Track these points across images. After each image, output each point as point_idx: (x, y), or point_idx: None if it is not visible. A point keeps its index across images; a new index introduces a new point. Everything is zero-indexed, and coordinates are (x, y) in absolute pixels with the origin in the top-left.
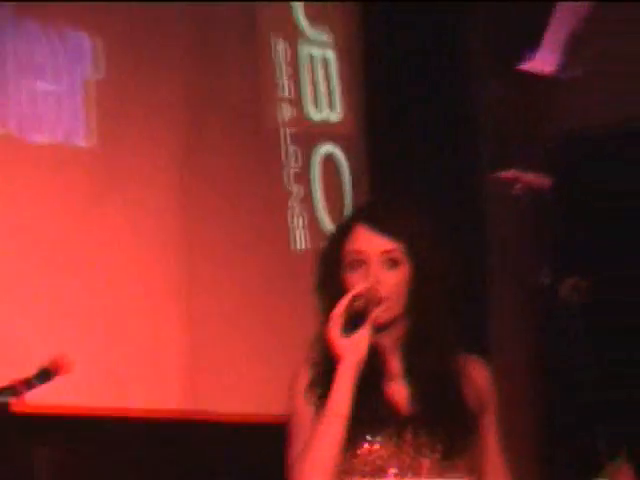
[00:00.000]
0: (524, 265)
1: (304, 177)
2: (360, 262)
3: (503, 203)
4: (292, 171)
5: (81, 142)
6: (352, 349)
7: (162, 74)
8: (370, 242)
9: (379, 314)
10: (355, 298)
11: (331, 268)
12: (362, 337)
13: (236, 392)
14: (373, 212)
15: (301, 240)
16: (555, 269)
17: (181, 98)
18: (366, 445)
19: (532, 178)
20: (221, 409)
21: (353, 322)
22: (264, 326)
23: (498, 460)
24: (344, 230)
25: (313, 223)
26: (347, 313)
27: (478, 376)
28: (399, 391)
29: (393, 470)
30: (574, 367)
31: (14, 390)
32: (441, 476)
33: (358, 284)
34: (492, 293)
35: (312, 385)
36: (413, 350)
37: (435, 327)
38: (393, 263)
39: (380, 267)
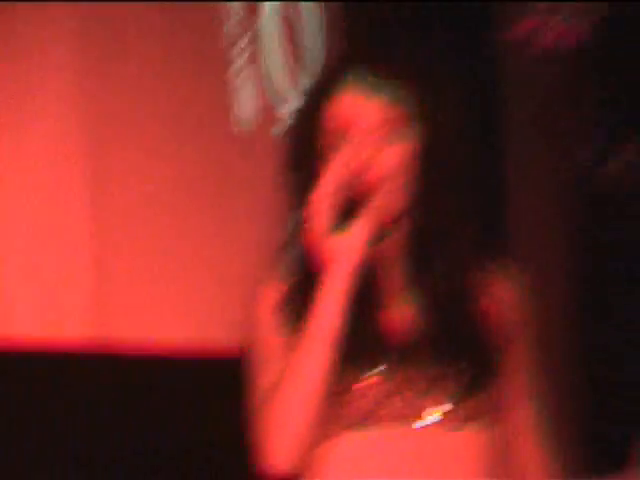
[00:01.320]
0: (556, 142)
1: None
2: (347, 135)
3: (526, 62)
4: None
5: None
6: (345, 249)
7: None
8: (363, 108)
9: (383, 204)
10: (345, 183)
11: (307, 146)
12: (359, 233)
13: (169, 319)
14: (367, 67)
15: (250, 116)
16: (599, 146)
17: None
18: (357, 385)
19: (564, 25)
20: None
21: (342, 216)
22: (203, 233)
23: (525, 406)
24: (325, 92)
25: (265, 90)
26: (335, 208)
27: (506, 293)
28: (401, 315)
29: (391, 414)
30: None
31: None
32: (453, 420)
33: (347, 161)
34: (515, 184)
35: (284, 304)
36: (419, 258)
37: (449, 227)
38: (393, 135)
39: (375, 140)
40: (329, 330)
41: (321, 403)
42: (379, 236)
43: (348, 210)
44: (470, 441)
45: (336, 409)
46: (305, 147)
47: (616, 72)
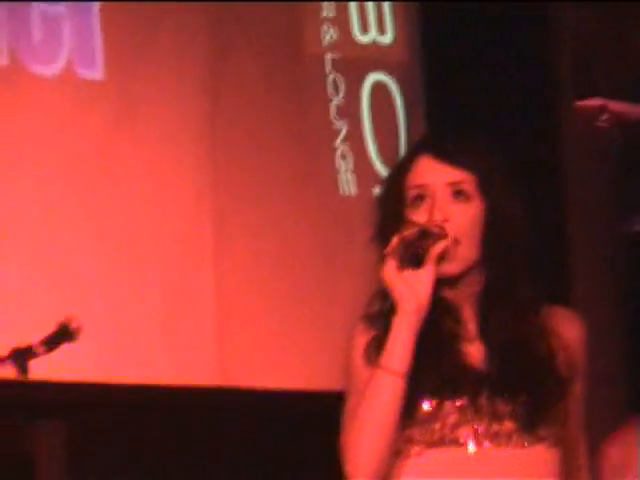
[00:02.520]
0: (610, 211)
1: (351, 111)
2: (424, 197)
3: (586, 138)
4: (337, 104)
5: (92, 72)
6: (410, 292)
7: None
8: (435, 173)
9: (446, 254)
10: (419, 235)
11: (392, 209)
12: (422, 277)
13: (278, 366)
14: (439, 141)
15: (349, 184)
16: None
17: (207, 21)
18: (435, 411)
19: (621, 107)
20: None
21: (416, 265)
22: (309, 285)
23: (579, 434)
24: (406, 163)
25: (362, 164)
26: (408, 254)
27: (569, 332)
28: (475, 352)
29: (465, 439)
30: None
31: (32, 351)
32: (521, 446)
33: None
34: (574, 244)
35: (372, 342)
36: (490, 306)
37: (514, 279)
38: (463, 197)
39: (447, 201)
40: (397, 361)
41: (392, 428)
42: (444, 285)
43: (419, 256)
44: (534, 460)
45: (419, 432)
46: (390, 204)
47: None
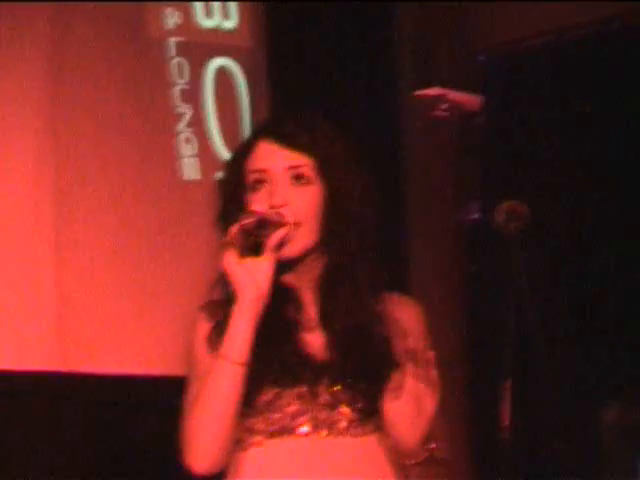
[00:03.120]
0: (449, 198)
1: (195, 95)
2: (264, 182)
3: (425, 126)
4: (180, 88)
5: None
6: (250, 280)
7: None
8: (274, 157)
9: (285, 240)
10: (257, 224)
11: (232, 194)
12: (262, 265)
13: (117, 350)
14: (279, 125)
15: (192, 169)
16: (485, 202)
17: (45, 6)
18: (274, 401)
19: (459, 97)
20: (96, 370)
21: (255, 253)
22: (150, 270)
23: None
24: (245, 147)
25: (206, 149)
26: (248, 243)
27: (407, 319)
28: (315, 340)
29: (305, 428)
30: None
31: None
32: (361, 434)
33: (261, 201)
34: (413, 231)
35: (213, 329)
36: (329, 291)
37: (354, 262)
38: (302, 180)
39: (286, 185)
40: (236, 351)
41: (233, 417)
42: (284, 269)
43: (258, 245)
44: (371, 448)
45: (259, 421)
46: (230, 189)
47: (501, 140)
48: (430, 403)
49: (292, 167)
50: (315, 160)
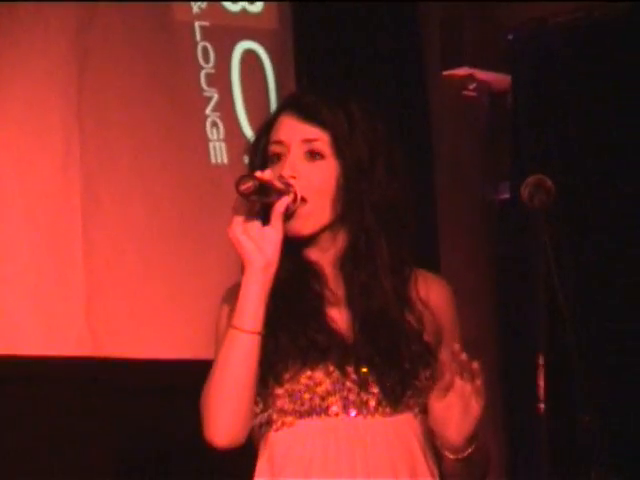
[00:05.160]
0: (478, 178)
1: (222, 79)
2: (280, 155)
3: (454, 107)
4: (207, 72)
5: None
6: (257, 249)
7: None
8: (291, 130)
9: (291, 211)
10: (258, 189)
11: (258, 167)
12: (269, 234)
13: (147, 335)
14: (300, 98)
15: (220, 153)
16: (515, 182)
17: None
18: (304, 379)
19: (488, 76)
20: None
21: (262, 221)
22: (179, 254)
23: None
24: (269, 121)
25: (233, 133)
26: (253, 210)
27: (437, 298)
28: (340, 316)
29: (334, 408)
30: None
31: None
32: (388, 415)
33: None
34: (443, 212)
35: (234, 308)
36: (352, 268)
37: (371, 242)
38: (315, 155)
39: (300, 158)
40: (247, 320)
41: (248, 386)
42: (307, 244)
43: (265, 213)
44: (402, 428)
45: (289, 402)
46: (256, 164)
47: (532, 120)
48: (477, 404)
49: (307, 140)
50: (331, 135)
